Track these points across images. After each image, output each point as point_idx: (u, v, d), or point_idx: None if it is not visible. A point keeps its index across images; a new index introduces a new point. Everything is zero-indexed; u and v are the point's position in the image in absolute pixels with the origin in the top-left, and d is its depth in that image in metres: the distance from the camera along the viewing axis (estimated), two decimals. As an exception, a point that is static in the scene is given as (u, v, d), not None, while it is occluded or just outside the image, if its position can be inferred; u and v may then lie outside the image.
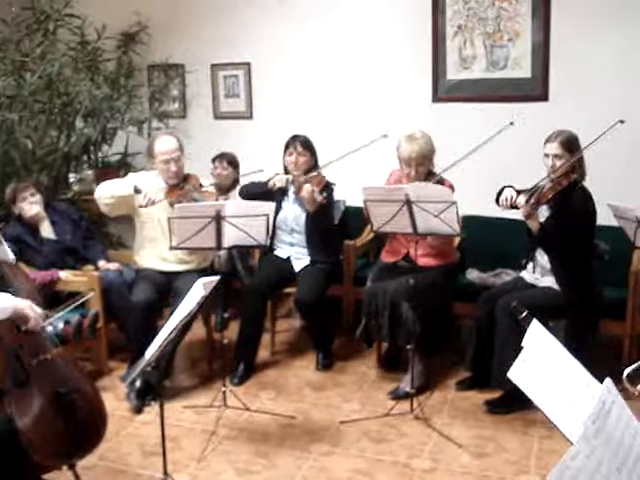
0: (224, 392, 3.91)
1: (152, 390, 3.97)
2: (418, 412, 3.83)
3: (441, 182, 3.98)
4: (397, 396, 4.04)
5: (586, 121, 4.53)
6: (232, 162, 5.26)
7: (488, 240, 4.76)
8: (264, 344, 4.63)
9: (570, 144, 3.85)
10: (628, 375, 3.13)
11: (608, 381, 1.46)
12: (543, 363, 1.90)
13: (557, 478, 1.19)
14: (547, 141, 3.91)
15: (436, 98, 5.34)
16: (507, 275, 4.56)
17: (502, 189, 3.98)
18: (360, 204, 3.90)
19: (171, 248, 3.86)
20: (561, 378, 1.85)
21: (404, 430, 3.72)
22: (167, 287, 4.28)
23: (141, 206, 4.11)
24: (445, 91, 5.31)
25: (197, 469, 3.39)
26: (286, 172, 4.53)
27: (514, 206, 3.87)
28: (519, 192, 3.87)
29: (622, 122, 3.73)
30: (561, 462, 1.21)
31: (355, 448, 3.55)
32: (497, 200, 4.02)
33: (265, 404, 4.04)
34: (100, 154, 6.00)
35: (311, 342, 4.65)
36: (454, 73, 5.28)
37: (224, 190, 5.11)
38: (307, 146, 4.52)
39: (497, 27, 5.13)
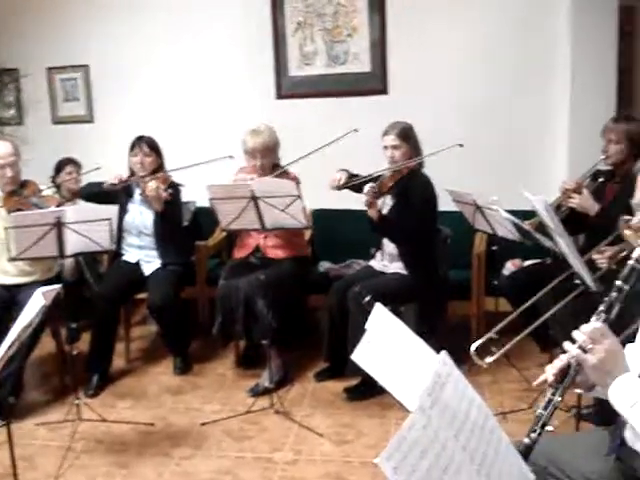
0: (77, 405, 3.76)
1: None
2: (278, 406, 3.85)
3: (286, 174, 4.04)
4: (257, 392, 4.03)
5: (424, 112, 4.72)
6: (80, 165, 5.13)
7: (338, 232, 4.86)
8: (119, 353, 4.52)
9: (405, 134, 4.01)
10: (476, 350, 3.30)
11: (443, 354, 1.50)
12: (386, 343, 1.95)
13: (395, 449, 1.22)
14: (384, 134, 4.04)
15: (280, 95, 5.38)
16: (357, 265, 4.65)
17: (338, 171, 4.07)
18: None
19: (10, 259, 3.69)
20: (404, 356, 1.90)
21: (265, 425, 3.72)
22: (10, 301, 4.06)
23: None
24: (289, 87, 5.36)
25: (53, 487, 3.26)
26: (132, 174, 4.44)
27: (340, 187, 4.01)
28: (352, 175, 4.00)
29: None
30: (398, 433, 1.24)
31: (217, 448, 3.52)
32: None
33: (122, 414, 3.93)
34: None
35: (167, 347, 4.56)
36: (296, 69, 5.35)
37: (72, 195, 4.93)
38: (153, 147, 4.44)
39: (336, 23, 5.24)
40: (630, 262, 1.90)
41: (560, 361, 1.91)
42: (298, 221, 3.68)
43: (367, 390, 3.91)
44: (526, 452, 1.81)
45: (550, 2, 4.92)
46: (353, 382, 4.02)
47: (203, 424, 3.75)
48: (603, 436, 2.03)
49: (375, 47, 5.19)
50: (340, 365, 4.08)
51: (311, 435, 3.60)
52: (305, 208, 3.70)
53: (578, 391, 2.08)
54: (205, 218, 4.85)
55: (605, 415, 2.31)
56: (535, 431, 1.86)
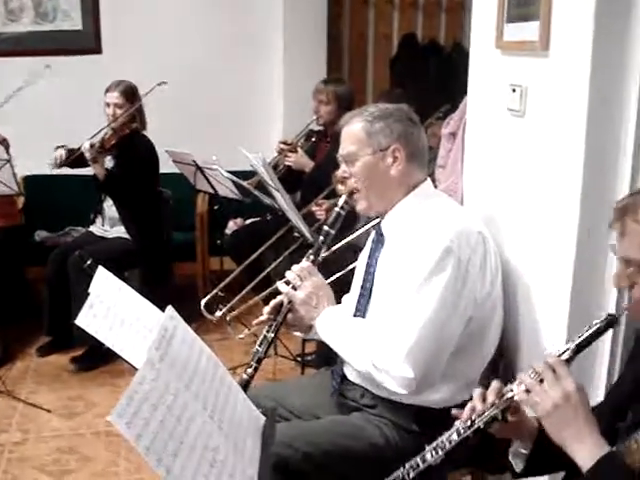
0: None
1: None
2: (0, 386, 3.61)
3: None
4: (-26, 374, 3.76)
5: (141, 72, 4.63)
6: None
7: (54, 199, 4.62)
8: None
9: (130, 94, 3.96)
10: (206, 306, 3.38)
11: (169, 308, 1.51)
12: (111, 306, 1.91)
13: (126, 404, 1.21)
14: (107, 90, 3.96)
15: (-17, 53, 4.95)
16: (76, 232, 4.50)
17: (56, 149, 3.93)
18: None
19: None
20: (131, 317, 1.88)
21: (-12, 408, 3.50)
22: None
23: None
24: (-6, 45, 4.95)
25: None
26: None
27: (61, 165, 3.87)
28: (71, 150, 3.86)
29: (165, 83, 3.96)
30: (128, 389, 1.24)
31: None
32: None
33: None
34: None
35: None
36: (1, 26, 4.94)
37: None
38: None
39: (38, -24, 4.92)
40: (336, 209, 2.07)
41: (274, 300, 2.05)
42: (9, 187, 3.46)
43: (95, 359, 3.81)
44: (245, 386, 1.92)
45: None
46: (79, 352, 3.89)
47: None
48: (326, 375, 2.18)
49: (86, 4, 4.94)
50: (64, 338, 3.93)
51: (38, 412, 3.44)
52: (16, 174, 3.49)
53: (297, 334, 2.23)
54: None
55: (325, 357, 2.49)
56: (251, 366, 1.98)
